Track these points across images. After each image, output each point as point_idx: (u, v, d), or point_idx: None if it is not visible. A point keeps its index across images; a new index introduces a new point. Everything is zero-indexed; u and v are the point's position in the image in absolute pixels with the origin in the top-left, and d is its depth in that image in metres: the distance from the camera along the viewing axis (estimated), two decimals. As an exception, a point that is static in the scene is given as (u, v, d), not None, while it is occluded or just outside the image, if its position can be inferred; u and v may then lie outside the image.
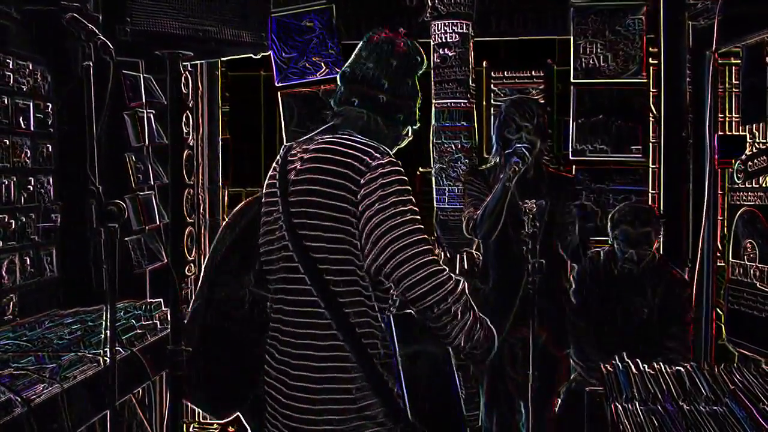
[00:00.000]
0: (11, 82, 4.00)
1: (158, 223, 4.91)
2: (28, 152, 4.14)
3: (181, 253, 4.50)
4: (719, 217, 5.21)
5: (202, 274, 2.68)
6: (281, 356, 2.35)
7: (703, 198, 5.06)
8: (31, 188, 4.16)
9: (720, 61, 5.16)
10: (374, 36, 2.46)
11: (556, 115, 6.22)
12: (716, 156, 5.02)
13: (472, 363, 4.48)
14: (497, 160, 4.03)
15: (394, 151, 2.50)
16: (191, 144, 5.69)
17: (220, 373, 2.54)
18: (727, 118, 5.70)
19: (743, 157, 4.89)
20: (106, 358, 3.33)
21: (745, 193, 4.77)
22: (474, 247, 4.42)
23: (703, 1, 5.03)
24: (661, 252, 5.03)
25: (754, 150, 4.92)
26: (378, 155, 2.26)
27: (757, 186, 4.71)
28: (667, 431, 2.47)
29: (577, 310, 4.25)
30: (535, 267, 3.30)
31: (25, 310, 4.09)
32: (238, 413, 2.67)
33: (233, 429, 5.49)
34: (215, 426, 5.66)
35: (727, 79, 5.47)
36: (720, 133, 5.19)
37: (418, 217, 2.25)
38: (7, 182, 3.95)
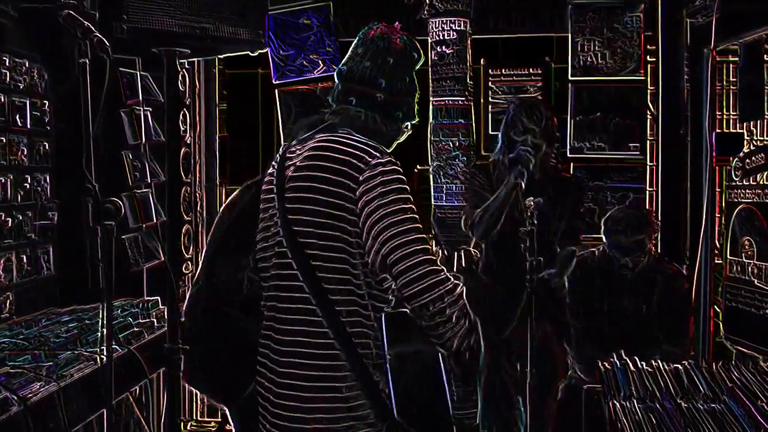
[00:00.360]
0: (8, 79, 3.99)
1: (155, 221, 4.90)
2: (25, 150, 4.13)
3: (178, 251, 4.50)
4: (717, 215, 5.21)
5: (202, 256, 2.68)
6: (274, 355, 2.35)
7: (701, 195, 5.06)
8: (28, 186, 4.15)
9: (718, 59, 5.16)
10: (370, 32, 2.45)
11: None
12: (714, 153, 5.01)
13: (457, 366, 4.47)
14: (500, 157, 4.00)
15: (393, 146, 2.50)
16: (188, 142, 5.68)
17: (220, 355, 2.53)
18: (724, 116, 5.70)
19: (741, 154, 4.88)
20: (102, 356, 3.32)
21: (743, 191, 4.76)
22: (472, 245, 4.42)
23: (701, -1, 5.03)
24: (659, 250, 5.03)
25: (752, 147, 4.92)
26: (378, 154, 2.26)
27: (755, 183, 4.71)
28: (665, 429, 2.47)
29: (572, 310, 4.24)
30: (533, 265, 3.28)
31: (22, 308, 4.08)
32: (226, 411, 2.67)
33: (230, 426, 5.48)
34: (212, 424, 5.65)
35: (725, 76, 5.47)
36: (718, 130, 5.18)
37: (417, 216, 2.25)
38: (3, 180, 3.94)
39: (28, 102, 4.14)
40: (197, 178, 5.93)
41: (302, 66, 5.56)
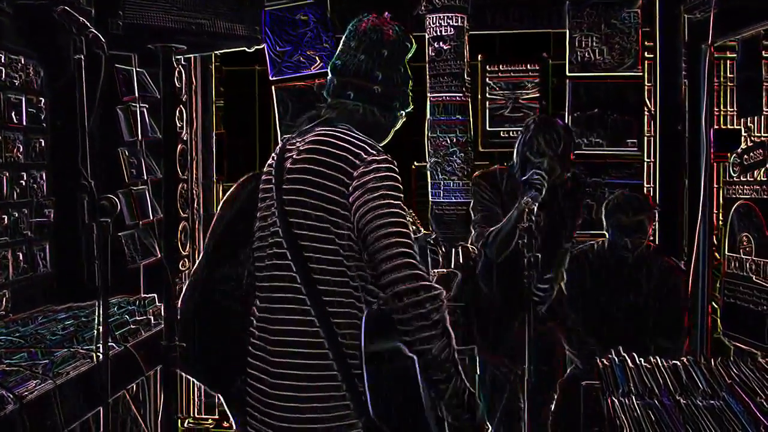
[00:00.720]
0: (3, 76, 3.98)
1: (152, 218, 4.89)
2: (21, 147, 4.11)
3: (174, 248, 4.49)
4: (715, 211, 5.21)
5: (203, 249, 2.67)
6: (268, 345, 2.35)
7: (699, 192, 5.06)
8: (24, 183, 4.14)
9: (716, 55, 5.15)
10: (361, 24, 2.45)
11: (552, 109, 6.20)
12: (712, 149, 5.01)
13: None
14: (515, 171, 3.92)
15: (390, 135, 2.51)
16: (185, 138, 5.67)
17: (218, 345, 2.52)
18: (722, 112, 5.69)
19: (739, 150, 4.88)
20: (99, 353, 3.31)
21: (741, 187, 4.76)
22: (469, 242, 4.40)
23: (698, -5, 5.03)
24: (657, 244, 5.03)
25: (750, 143, 4.91)
26: (374, 152, 2.27)
27: (753, 179, 4.70)
28: (664, 426, 2.46)
29: (569, 301, 4.24)
30: (531, 261, 3.27)
31: (18, 305, 4.07)
32: (225, 405, 2.66)
33: (228, 424, 5.48)
34: (210, 421, 5.65)
35: (722, 72, 5.46)
36: (716, 126, 5.18)
37: (405, 217, 2.24)
38: (-1, 177, 3.94)
39: (23, 99, 4.13)
40: (194, 175, 5.91)
41: (299, 62, 5.55)
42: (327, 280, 2.26)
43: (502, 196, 3.92)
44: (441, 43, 5.12)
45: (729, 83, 5.73)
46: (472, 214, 4.05)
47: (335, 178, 2.24)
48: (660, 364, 2.99)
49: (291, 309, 2.30)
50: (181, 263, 5.37)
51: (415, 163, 6.41)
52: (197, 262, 2.64)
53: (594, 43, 5.42)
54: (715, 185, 5.14)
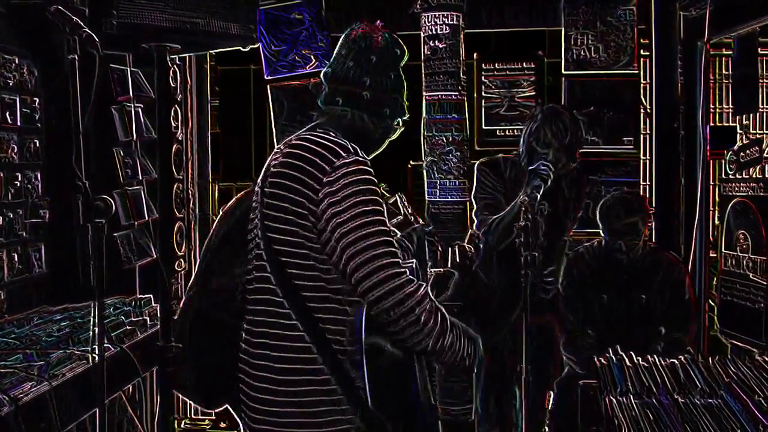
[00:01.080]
0: (-3, 76, 3.97)
1: (147, 218, 4.87)
2: (15, 147, 4.10)
3: (170, 249, 4.48)
4: (711, 208, 5.21)
5: (198, 263, 2.68)
6: (249, 348, 2.37)
7: (695, 189, 5.06)
8: (19, 184, 4.12)
9: (712, 52, 5.15)
10: (352, 33, 2.47)
11: (547, 107, 6.20)
12: (708, 147, 5.01)
13: (452, 371, 4.48)
14: (522, 160, 3.91)
15: (385, 144, 2.51)
16: (180, 138, 5.65)
17: (211, 364, 2.53)
18: (718, 109, 5.69)
19: (735, 147, 4.88)
20: (95, 355, 3.30)
21: (737, 184, 4.76)
22: (466, 241, 4.40)
23: (694, -8, 5.02)
24: (655, 242, 5.03)
25: (746, 141, 4.91)
26: (344, 154, 2.26)
27: (749, 177, 4.70)
28: (662, 425, 2.46)
29: (567, 303, 4.24)
30: (528, 260, 3.26)
31: (13, 307, 4.06)
32: (228, 406, 2.66)
33: (225, 425, 5.47)
34: (206, 422, 5.63)
35: (718, 69, 5.46)
36: (712, 124, 5.18)
37: (382, 218, 2.23)
38: (-7, 178, 3.92)
39: (18, 99, 4.11)
40: (189, 175, 5.90)
41: (294, 61, 5.54)
42: (304, 285, 2.27)
43: (505, 183, 3.92)
44: (436, 41, 5.11)
45: (725, 80, 5.73)
46: (474, 202, 4.05)
47: (305, 183, 2.25)
48: (658, 362, 2.98)
49: (270, 311, 2.32)
50: (176, 264, 5.36)
51: (411, 162, 6.40)
52: (194, 275, 2.65)
53: (589, 41, 5.42)
54: (712, 182, 5.15)
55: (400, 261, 2.22)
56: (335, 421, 2.28)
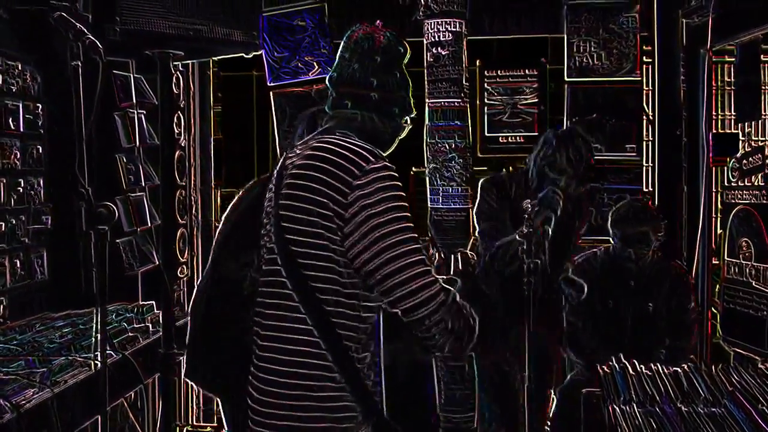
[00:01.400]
0: (0, 82, 3.97)
1: (150, 224, 4.87)
2: (18, 153, 4.10)
3: (173, 255, 4.47)
4: (714, 216, 5.20)
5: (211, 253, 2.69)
6: (257, 350, 2.36)
7: (698, 197, 5.05)
8: (21, 190, 4.12)
9: (714, 59, 5.15)
10: (353, 35, 2.47)
11: (550, 114, 6.20)
12: (710, 154, 5.00)
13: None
14: (532, 177, 3.86)
15: (395, 143, 2.51)
16: (183, 144, 5.65)
17: (221, 352, 2.52)
18: (720, 116, 5.68)
19: (738, 155, 4.87)
20: (97, 361, 3.30)
21: (740, 192, 4.76)
22: (468, 248, 4.39)
23: (697, -1, 5.02)
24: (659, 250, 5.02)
25: (749, 148, 4.90)
26: (373, 159, 2.25)
27: (752, 184, 4.70)
28: (665, 433, 2.46)
29: (572, 309, 4.23)
30: (531, 268, 3.26)
31: (15, 313, 4.05)
32: (222, 412, 2.66)
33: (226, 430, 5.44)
34: (208, 429, 5.62)
35: (721, 76, 5.46)
36: (714, 131, 5.17)
37: (412, 225, 2.23)
38: (-4, 184, 3.92)
39: (21, 105, 4.11)
40: (192, 181, 5.90)
41: (297, 68, 5.54)
42: (320, 288, 2.25)
43: (510, 202, 3.88)
44: (439, 48, 5.10)
45: (727, 87, 5.72)
46: (476, 220, 4.02)
47: (332, 186, 2.23)
48: (661, 371, 2.98)
49: (283, 316, 2.29)
50: (179, 270, 5.36)
51: (414, 169, 6.40)
52: (207, 265, 2.65)
53: (592, 48, 5.42)
54: (714, 190, 5.14)
55: (431, 269, 2.22)
56: (346, 429, 2.27)
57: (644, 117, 5.56)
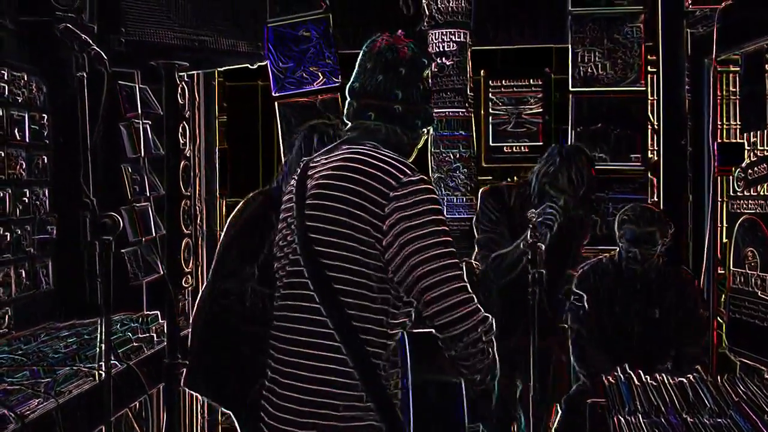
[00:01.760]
0: (6, 93, 3.98)
1: (155, 234, 4.87)
2: (23, 164, 4.11)
3: (177, 265, 4.47)
4: (719, 225, 5.19)
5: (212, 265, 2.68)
6: (279, 365, 2.31)
7: (703, 206, 5.04)
8: (27, 200, 4.13)
9: (719, 69, 5.15)
10: (375, 44, 2.42)
11: (554, 124, 6.21)
12: (716, 164, 5.00)
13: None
14: (534, 190, 3.86)
15: (414, 154, 2.46)
16: (188, 155, 5.66)
17: (222, 363, 2.51)
18: (725, 126, 5.68)
19: (743, 164, 4.87)
20: (101, 371, 3.29)
21: (746, 201, 4.75)
22: (473, 257, 4.39)
23: (701, 9, 5.02)
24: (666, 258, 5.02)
25: (754, 158, 4.90)
26: (409, 172, 2.21)
27: (757, 194, 4.69)
28: (671, 444, 2.45)
29: (579, 318, 4.22)
30: (535, 277, 3.24)
31: (20, 323, 4.05)
32: (236, 423, 2.65)
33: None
34: (213, 439, 5.61)
35: (726, 86, 5.46)
36: (719, 140, 5.17)
37: (451, 239, 2.19)
38: (2, 194, 3.92)
39: (26, 115, 4.12)
40: (197, 191, 5.90)
41: (302, 78, 5.55)
42: (350, 303, 2.20)
43: (509, 213, 3.87)
44: (444, 58, 5.12)
45: (732, 97, 5.72)
46: (475, 230, 4.02)
47: (368, 198, 2.18)
48: (666, 381, 2.97)
49: (308, 331, 2.24)
50: (183, 280, 5.35)
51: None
52: (209, 277, 2.65)
53: (597, 58, 5.42)
54: (720, 199, 5.13)
55: (468, 285, 2.18)
56: None
57: (649, 126, 5.56)
